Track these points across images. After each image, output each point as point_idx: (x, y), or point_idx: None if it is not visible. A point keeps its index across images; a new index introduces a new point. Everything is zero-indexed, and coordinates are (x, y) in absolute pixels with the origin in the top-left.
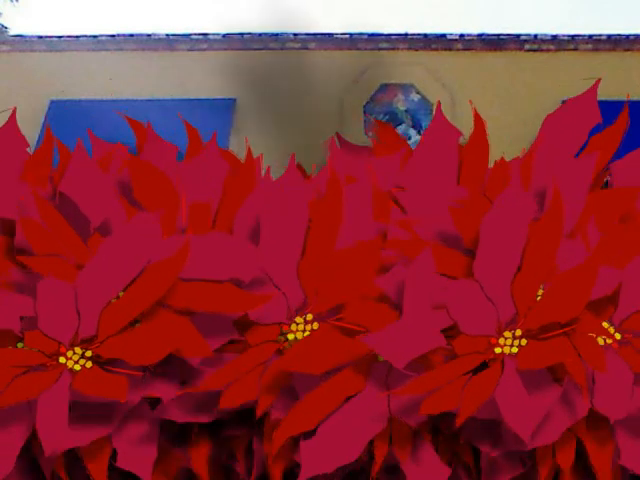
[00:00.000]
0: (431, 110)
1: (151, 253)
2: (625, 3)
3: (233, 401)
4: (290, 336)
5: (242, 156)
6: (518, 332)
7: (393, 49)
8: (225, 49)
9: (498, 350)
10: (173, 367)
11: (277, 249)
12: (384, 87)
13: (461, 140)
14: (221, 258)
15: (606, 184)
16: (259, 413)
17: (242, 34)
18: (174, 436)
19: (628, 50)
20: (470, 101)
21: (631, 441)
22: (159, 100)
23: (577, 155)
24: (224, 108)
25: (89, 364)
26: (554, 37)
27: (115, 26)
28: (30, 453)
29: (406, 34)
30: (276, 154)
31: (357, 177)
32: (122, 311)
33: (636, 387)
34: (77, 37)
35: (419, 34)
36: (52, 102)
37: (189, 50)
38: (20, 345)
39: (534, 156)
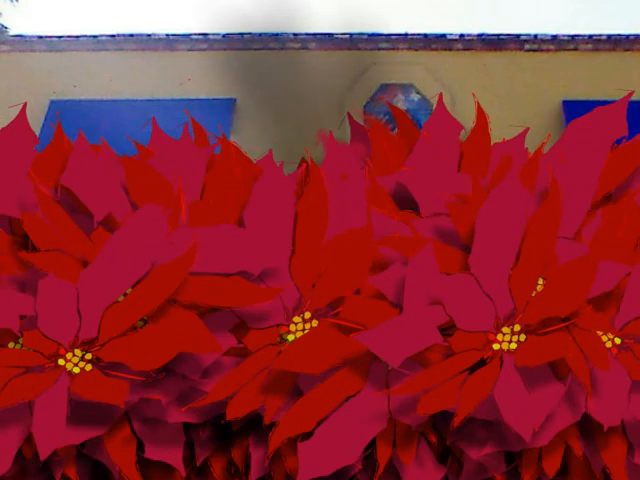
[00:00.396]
0: (431, 110)
1: (157, 249)
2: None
3: (239, 411)
4: (290, 337)
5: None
6: (517, 327)
7: (393, 49)
8: (225, 49)
9: (496, 346)
10: (176, 366)
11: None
12: (384, 87)
13: (462, 135)
14: (229, 251)
15: None
16: (267, 420)
17: (242, 34)
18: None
19: (628, 50)
20: (473, 94)
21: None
22: (159, 100)
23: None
24: (224, 108)
25: (89, 367)
26: (554, 37)
27: (115, 26)
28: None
29: (406, 34)
30: (276, 154)
31: (352, 172)
32: (125, 313)
33: (633, 395)
34: (77, 37)
35: (419, 34)
36: (52, 102)
37: (189, 50)
38: (19, 345)
39: (546, 156)
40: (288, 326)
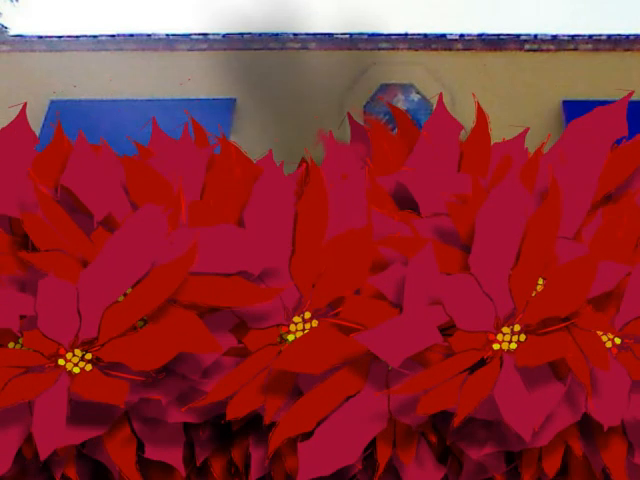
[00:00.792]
0: (431, 110)
1: (157, 249)
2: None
3: (239, 411)
4: (290, 337)
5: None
6: (517, 327)
7: (393, 49)
8: (225, 49)
9: (496, 346)
10: (176, 366)
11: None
12: (384, 87)
13: (462, 135)
14: (229, 251)
15: None
16: (267, 420)
17: (242, 34)
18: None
19: (628, 50)
20: (473, 94)
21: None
22: (159, 100)
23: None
24: (224, 108)
25: (89, 367)
26: (554, 37)
27: (115, 26)
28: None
29: (406, 34)
30: (276, 154)
31: (352, 172)
32: (125, 313)
33: (633, 395)
34: (77, 37)
35: (419, 34)
36: (52, 102)
37: (189, 50)
38: (19, 345)
39: (546, 156)
40: (288, 326)
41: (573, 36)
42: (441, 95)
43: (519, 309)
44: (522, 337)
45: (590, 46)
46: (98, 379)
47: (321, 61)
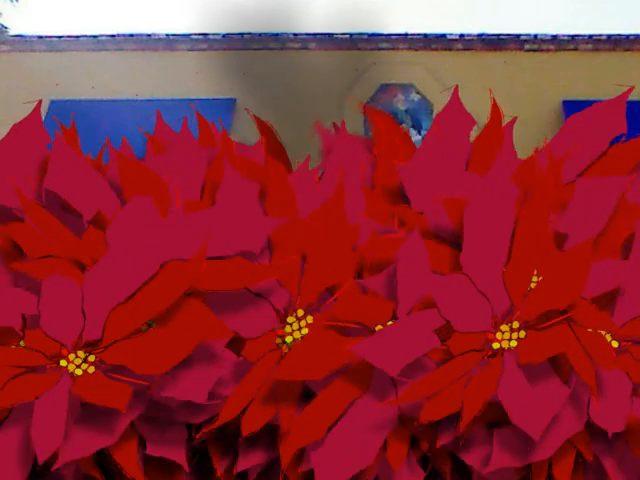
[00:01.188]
0: (431, 110)
1: (163, 245)
2: (625, 3)
3: (254, 425)
4: (288, 339)
5: None
6: (515, 324)
7: (393, 49)
8: (225, 49)
9: (496, 345)
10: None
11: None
12: (384, 87)
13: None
14: (227, 232)
15: None
16: (285, 428)
17: (242, 34)
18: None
19: (628, 50)
20: (490, 90)
21: None
22: (159, 100)
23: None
24: (224, 108)
25: (91, 369)
26: (554, 37)
27: (115, 26)
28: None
29: (406, 34)
30: None
31: (352, 170)
32: (131, 314)
33: (635, 398)
34: (77, 37)
35: (419, 34)
36: (52, 102)
37: (189, 50)
38: (21, 344)
39: (543, 152)
40: (283, 328)
41: (573, 36)
42: (456, 88)
43: (516, 305)
44: (522, 334)
45: (590, 46)
46: (101, 382)
47: (321, 61)
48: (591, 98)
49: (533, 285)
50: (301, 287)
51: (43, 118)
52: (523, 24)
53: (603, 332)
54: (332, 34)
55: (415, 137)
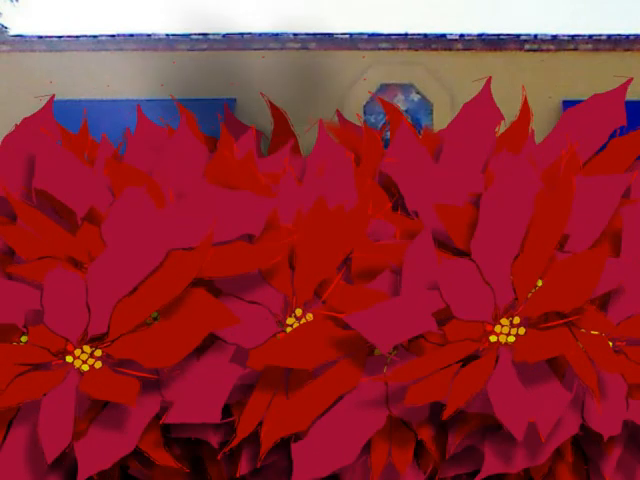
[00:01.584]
0: (431, 110)
1: (169, 234)
2: (625, 3)
3: (275, 436)
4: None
5: None
6: (516, 320)
7: (393, 49)
8: (225, 49)
9: (493, 338)
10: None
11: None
12: (384, 87)
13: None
14: (228, 217)
15: None
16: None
17: (242, 34)
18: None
19: (628, 50)
20: (523, 87)
21: None
22: (159, 100)
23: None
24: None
25: (98, 364)
26: (554, 37)
27: (115, 26)
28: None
29: (406, 34)
30: None
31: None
32: (137, 307)
33: (630, 400)
34: (77, 37)
35: (419, 34)
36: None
37: (189, 50)
38: (24, 340)
39: (540, 145)
40: (284, 331)
41: (573, 36)
42: (489, 80)
43: (520, 300)
44: (521, 330)
45: (590, 46)
46: (108, 377)
47: (321, 61)
48: None
49: (540, 283)
50: (295, 286)
51: None
52: (523, 24)
53: (606, 326)
54: (332, 34)
55: None
